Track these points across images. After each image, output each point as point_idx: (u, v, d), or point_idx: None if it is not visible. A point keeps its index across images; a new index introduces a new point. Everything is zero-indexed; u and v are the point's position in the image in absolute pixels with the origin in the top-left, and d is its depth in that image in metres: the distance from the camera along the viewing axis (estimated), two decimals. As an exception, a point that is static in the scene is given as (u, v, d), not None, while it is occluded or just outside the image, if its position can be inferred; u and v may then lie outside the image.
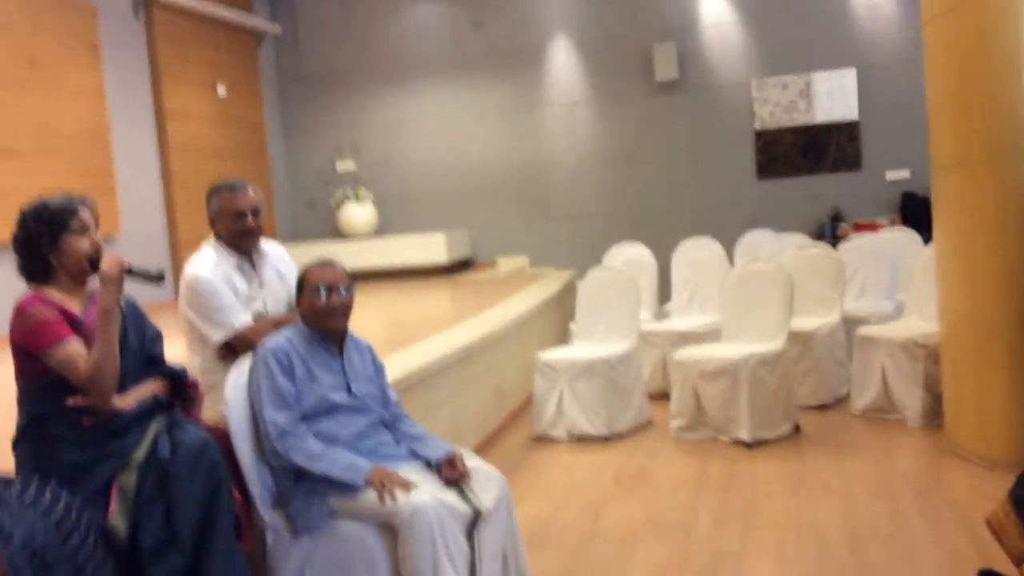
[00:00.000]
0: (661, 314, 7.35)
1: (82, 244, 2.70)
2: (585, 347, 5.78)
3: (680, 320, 6.80)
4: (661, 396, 6.05)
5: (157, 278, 2.79)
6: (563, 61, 10.75)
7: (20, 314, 2.63)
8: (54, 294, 2.70)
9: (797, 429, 5.24)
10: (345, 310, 3.09)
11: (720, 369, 5.13)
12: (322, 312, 3.05)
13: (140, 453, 2.60)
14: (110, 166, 8.30)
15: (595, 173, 10.69)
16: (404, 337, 5.27)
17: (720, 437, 5.18)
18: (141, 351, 2.79)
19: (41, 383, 2.64)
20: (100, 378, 2.58)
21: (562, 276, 8.90)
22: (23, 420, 2.68)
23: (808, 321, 5.96)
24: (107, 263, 2.68)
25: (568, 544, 3.85)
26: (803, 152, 10.10)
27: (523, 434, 5.65)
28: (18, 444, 2.69)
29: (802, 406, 5.55)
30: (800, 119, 10.08)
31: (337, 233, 11.02)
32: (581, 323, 6.06)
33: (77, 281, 2.73)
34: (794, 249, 6.67)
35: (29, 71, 7.44)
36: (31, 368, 2.66)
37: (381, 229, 11.07)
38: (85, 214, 2.71)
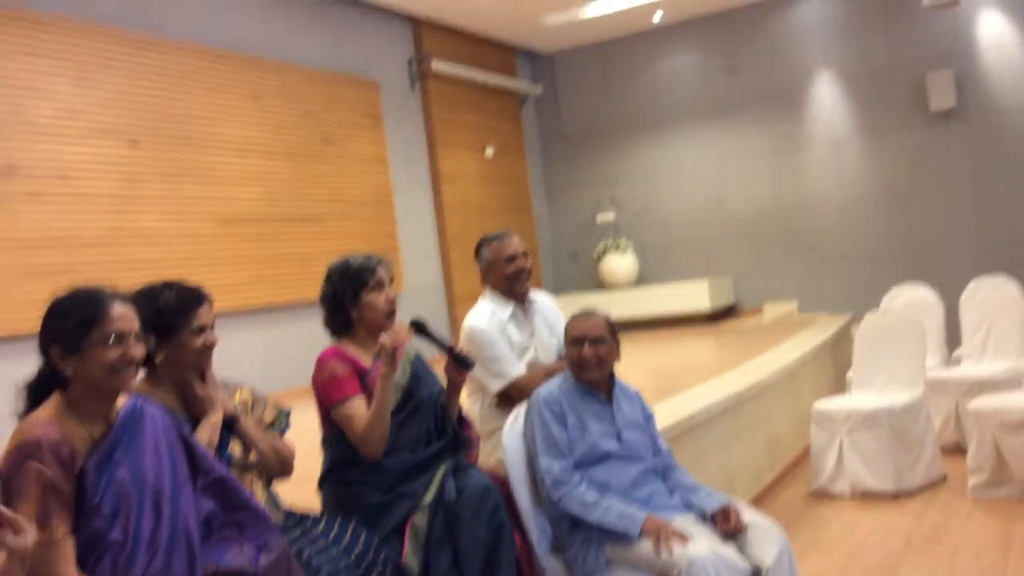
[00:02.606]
0: (950, 360, 6.77)
1: (379, 300, 2.93)
2: (865, 396, 5.43)
3: (973, 366, 6.22)
4: (955, 450, 5.55)
5: (467, 364, 2.96)
6: (826, 97, 10.33)
7: (319, 366, 2.89)
8: (350, 348, 2.94)
9: (1124, 489, 4.62)
10: (599, 361, 3.08)
11: (1025, 420, 4.64)
12: (575, 364, 3.10)
13: (429, 495, 2.76)
14: (393, 227, 8.98)
15: (866, 211, 10.12)
16: (669, 386, 5.22)
17: (1028, 496, 4.66)
18: (431, 401, 2.98)
19: (342, 430, 2.87)
20: (371, 438, 2.77)
21: (835, 321, 8.45)
22: (327, 463, 2.93)
23: None
24: (388, 336, 2.79)
25: (856, 607, 3.60)
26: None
27: (800, 489, 5.38)
28: (323, 485, 2.95)
29: None
30: (1103, 142, 9.01)
31: (599, 284, 11.17)
32: (859, 370, 5.71)
33: (372, 335, 2.96)
34: (1108, 286, 5.94)
35: (324, 146, 8.26)
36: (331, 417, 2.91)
37: (642, 278, 11.09)
38: (382, 272, 2.95)
